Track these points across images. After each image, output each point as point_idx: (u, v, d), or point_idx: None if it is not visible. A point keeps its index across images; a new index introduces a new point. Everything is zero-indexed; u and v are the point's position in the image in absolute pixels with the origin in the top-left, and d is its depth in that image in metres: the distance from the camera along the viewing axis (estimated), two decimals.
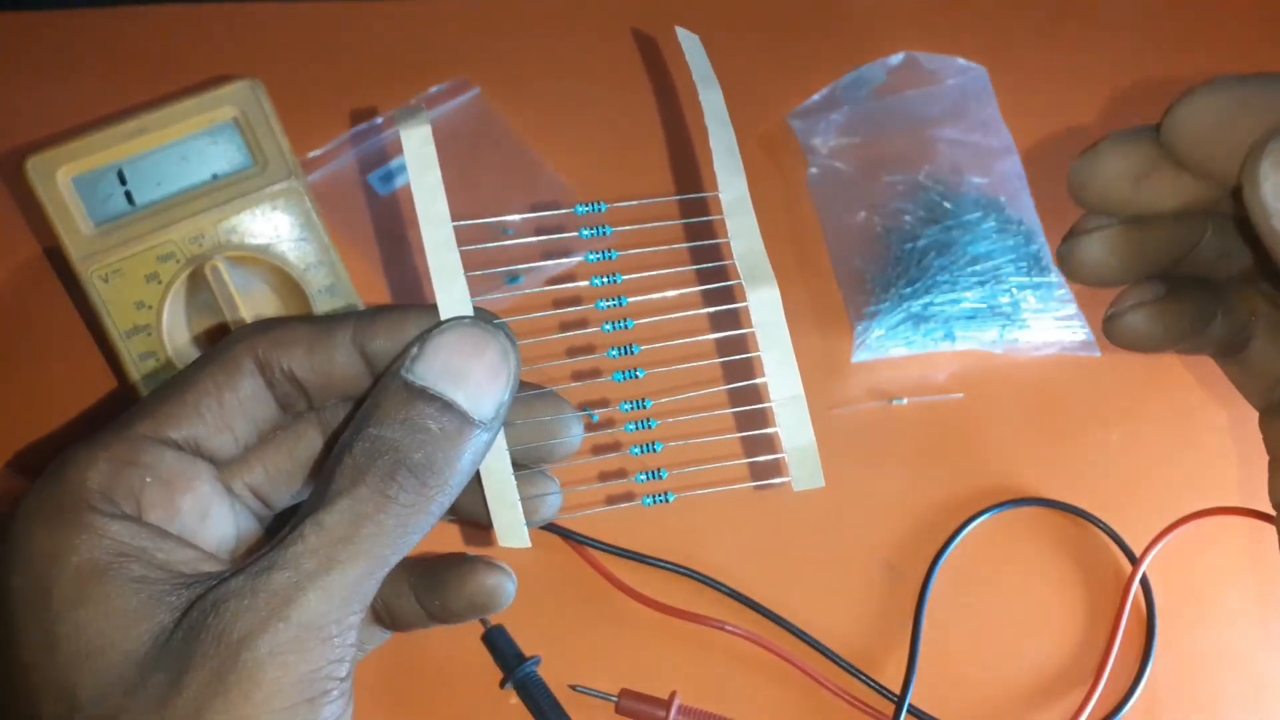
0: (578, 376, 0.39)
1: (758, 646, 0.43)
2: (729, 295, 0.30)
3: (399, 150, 0.51)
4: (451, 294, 0.29)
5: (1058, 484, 0.46)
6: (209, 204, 0.40)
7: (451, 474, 0.26)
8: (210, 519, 0.27)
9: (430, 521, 0.26)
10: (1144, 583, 0.44)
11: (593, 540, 0.43)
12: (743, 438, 0.34)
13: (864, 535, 0.46)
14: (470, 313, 0.28)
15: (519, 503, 0.29)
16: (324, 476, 0.26)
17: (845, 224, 0.51)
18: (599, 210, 0.52)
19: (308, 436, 0.30)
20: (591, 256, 0.40)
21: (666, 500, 0.31)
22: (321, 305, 0.41)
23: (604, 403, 0.38)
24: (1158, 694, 0.43)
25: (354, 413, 0.28)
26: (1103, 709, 0.43)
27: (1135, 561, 0.44)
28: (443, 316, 0.28)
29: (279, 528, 0.26)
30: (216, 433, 0.27)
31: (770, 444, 0.30)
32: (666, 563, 0.44)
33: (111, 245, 0.39)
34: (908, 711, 0.41)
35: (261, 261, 0.41)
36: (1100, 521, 0.45)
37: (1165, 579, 0.44)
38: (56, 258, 0.46)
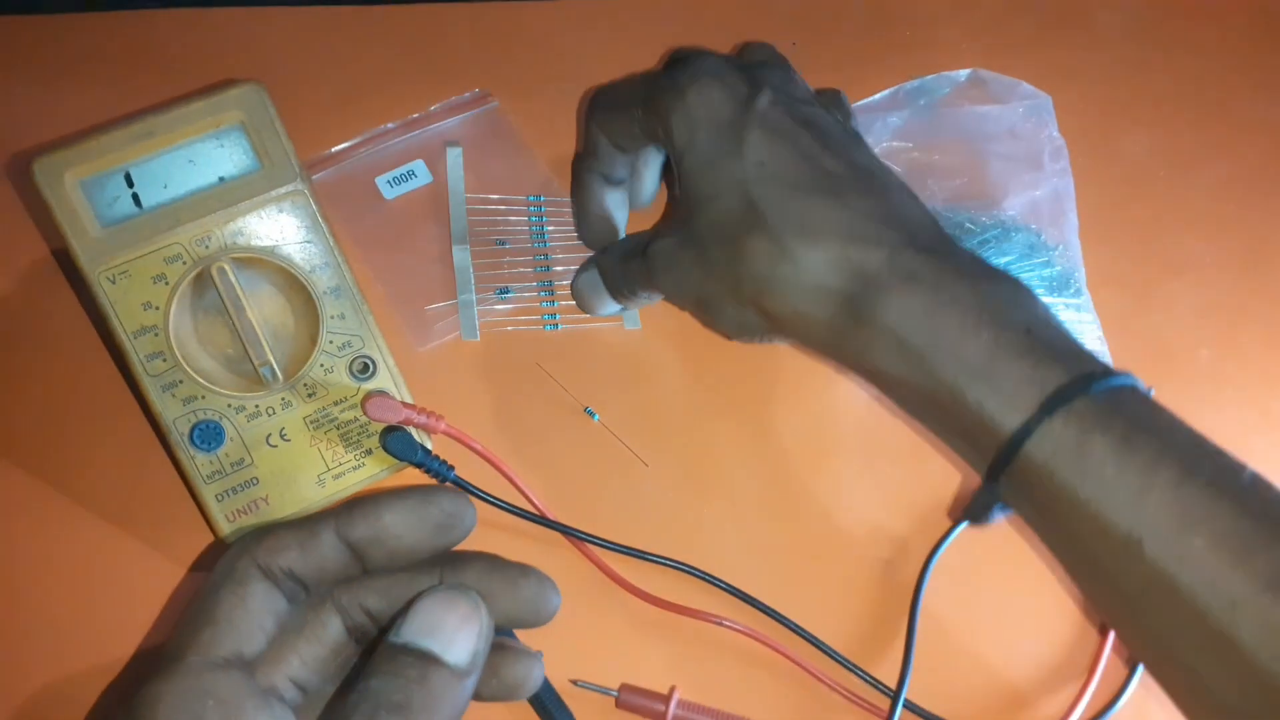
0: None
1: (756, 642, 0.43)
2: None
3: (406, 156, 0.51)
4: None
5: None
6: (216, 206, 0.40)
7: (428, 714, 0.30)
8: None
9: None
10: None
11: (593, 537, 0.44)
12: None
13: (860, 531, 0.46)
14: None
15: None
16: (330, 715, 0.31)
17: None
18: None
19: (331, 624, 0.35)
20: None
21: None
22: (327, 306, 0.42)
23: None
24: (1151, 690, 0.44)
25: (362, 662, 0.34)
26: (1096, 705, 0.43)
27: None
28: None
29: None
30: (248, 639, 0.33)
31: None
32: (666, 559, 0.44)
33: (119, 247, 0.40)
34: (903, 706, 0.41)
35: (268, 263, 0.41)
36: None
37: None
38: (64, 259, 0.47)
